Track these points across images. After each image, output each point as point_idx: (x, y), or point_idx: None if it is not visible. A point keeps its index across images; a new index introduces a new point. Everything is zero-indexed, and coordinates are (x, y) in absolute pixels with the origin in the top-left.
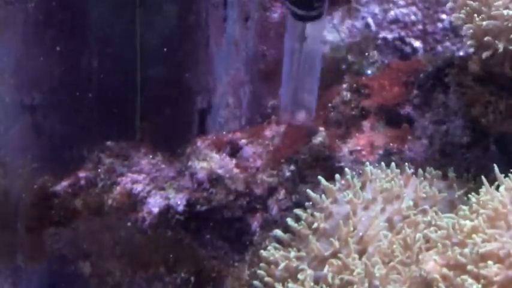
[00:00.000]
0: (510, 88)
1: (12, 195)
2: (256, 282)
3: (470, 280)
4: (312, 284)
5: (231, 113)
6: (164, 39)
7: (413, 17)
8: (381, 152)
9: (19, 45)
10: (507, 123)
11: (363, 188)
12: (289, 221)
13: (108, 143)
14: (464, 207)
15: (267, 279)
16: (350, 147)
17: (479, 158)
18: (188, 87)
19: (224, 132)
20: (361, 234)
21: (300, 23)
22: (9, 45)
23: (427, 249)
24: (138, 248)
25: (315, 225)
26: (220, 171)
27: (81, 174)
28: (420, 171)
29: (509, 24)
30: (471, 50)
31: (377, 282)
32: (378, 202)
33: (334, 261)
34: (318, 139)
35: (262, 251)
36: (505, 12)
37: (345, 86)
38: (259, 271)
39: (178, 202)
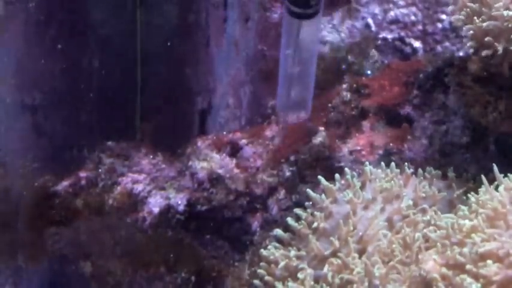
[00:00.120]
0: (509, 88)
1: (13, 195)
2: (256, 282)
3: (469, 279)
4: (312, 283)
5: (231, 113)
6: (164, 40)
7: (413, 18)
8: (380, 152)
9: (20, 46)
10: (506, 124)
11: (362, 187)
12: (289, 220)
13: (109, 143)
14: (463, 207)
15: (267, 278)
16: (350, 147)
17: (478, 158)
18: (188, 88)
19: (224, 133)
20: (360, 233)
21: (296, 20)
22: (10, 46)
23: (427, 249)
24: (138, 247)
25: (315, 224)
26: (220, 171)
27: (82, 174)
28: (420, 171)
29: (509, 25)
30: (471, 50)
31: (377, 282)
32: (377, 202)
33: (334, 260)
34: (318, 139)
35: (262, 250)
36: (505, 13)
37: (345, 86)
38: (259, 270)
39: (179, 202)
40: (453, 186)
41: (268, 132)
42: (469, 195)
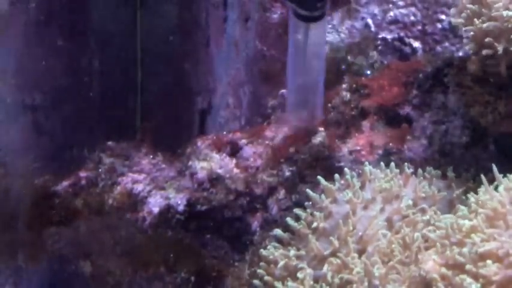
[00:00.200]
0: (509, 88)
1: (13, 195)
2: (256, 282)
3: (469, 279)
4: (312, 282)
5: (231, 113)
6: (165, 40)
7: (412, 18)
8: (380, 152)
9: (20, 46)
10: (506, 123)
11: (362, 187)
12: (289, 220)
13: (109, 143)
14: (463, 207)
15: (266, 278)
16: (350, 147)
17: (478, 158)
18: (188, 88)
19: (224, 132)
20: (360, 233)
21: (302, 23)
22: (11, 46)
23: (426, 249)
24: (138, 247)
25: (315, 224)
26: (220, 171)
27: (82, 174)
28: (419, 171)
29: (509, 25)
30: (471, 51)
31: (376, 282)
32: (377, 202)
33: (333, 260)
34: (317, 139)
35: (262, 250)
36: (505, 13)
37: (344, 86)
38: (259, 270)
39: (179, 202)
40: (453, 186)
41: (268, 132)
42: (468, 195)
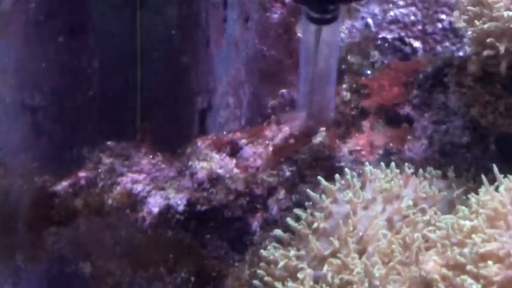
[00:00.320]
0: (509, 88)
1: (13, 195)
2: (256, 282)
3: (469, 280)
4: (312, 283)
5: (231, 113)
6: (164, 40)
7: (412, 18)
8: (380, 152)
9: (20, 46)
10: (506, 123)
11: (362, 188)
12: (289, 220)
13: (109, 143)
14: (463, 207)
15: (266, 278)
16: (350, 147)
17: (478, 158)
18: (188, 88)
19: (224, 132)
20: (360, 234)
21: (315, 26)
22: (10, 46)
23: (427, 249)
24: (138, 247)
25: (315, 224)
26: (220, 171)
27: (82, 174)
28: (420, 171)
29: (511, 25)
30: (472, 52)
31: (377, 282)
32: (377, 202)
33: (333, 260)
34: (317, 139)
35: (262, 250)
36: (505, 13)
37: (344, 86)
38: (259, 270)
39: (179, 202)
40: (453, 187)
41: (268, 132)
42: (469, 195)
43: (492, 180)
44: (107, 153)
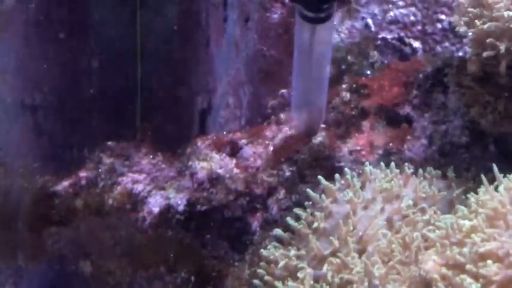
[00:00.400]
0: (509, 88)
1: (13, 195)
2: (256, 281)
3: (469, 279)
4: (312, 282)
5: (231, 113)
6: (164, 40)
7: (412, 18)
8: (380, 152)
9: (20, 46)
10: (506, 124)
11: (362, 187)
12: (289, 220)
13: (109, 143)
14: (463, 207)
15: (266, 278)
16: (350, 147)
17: (478, 158)
18: (188, 88)
19: (224, 132)
20: (360, 233)
21: (309, 24)
22: (10, 46)
23: (427, 249)
24: (138, 247)
25: (315, 224)
26: (220, 171)
27: (82, 174)
28: (420, 171)
29: (511, 25)
30: (472, 52)
31: (376, 282)
32: (377, 202)
33: (333, 260)
34: (317, 139)
35: (262, 250)
36: (506, 13)
37: (344, 86)
38: (259, 270)
39: (179, 202)
40: (453, 186)
41: (268, 132)
42: (468, 195)
43: (492, 180)
44: (107, 153)
